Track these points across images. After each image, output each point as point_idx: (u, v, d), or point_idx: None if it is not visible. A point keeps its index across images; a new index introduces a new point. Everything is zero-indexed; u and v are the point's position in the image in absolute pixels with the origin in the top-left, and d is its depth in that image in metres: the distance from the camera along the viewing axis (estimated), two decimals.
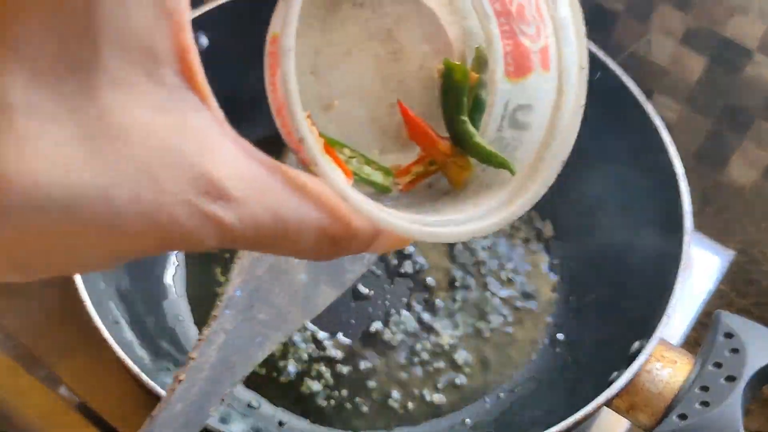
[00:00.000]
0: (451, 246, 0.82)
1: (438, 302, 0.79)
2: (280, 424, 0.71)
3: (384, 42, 0.41)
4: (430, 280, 0.80)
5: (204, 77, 0.29)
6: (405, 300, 0.79)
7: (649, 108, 0.74)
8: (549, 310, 0.80)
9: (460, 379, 0.75)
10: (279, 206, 0.29)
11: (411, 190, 0.40)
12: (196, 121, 0.28)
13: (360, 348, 0.76)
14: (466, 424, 0.73)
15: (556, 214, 0.85)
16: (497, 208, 0.38)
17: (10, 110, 0.23)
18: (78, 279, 0.61)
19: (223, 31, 0.80)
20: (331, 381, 0.74)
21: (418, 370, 0.75)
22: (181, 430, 0.47)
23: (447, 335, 0.77)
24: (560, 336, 0.78)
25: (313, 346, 0.75)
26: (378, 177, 0.40)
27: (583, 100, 0.38)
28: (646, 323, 0.64)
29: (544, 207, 0.86)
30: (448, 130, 0.41)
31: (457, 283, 0.80)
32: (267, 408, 0.72)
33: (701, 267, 0.87)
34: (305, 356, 0.75)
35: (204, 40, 0.78)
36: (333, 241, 0.30)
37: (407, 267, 0.81)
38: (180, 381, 0.48)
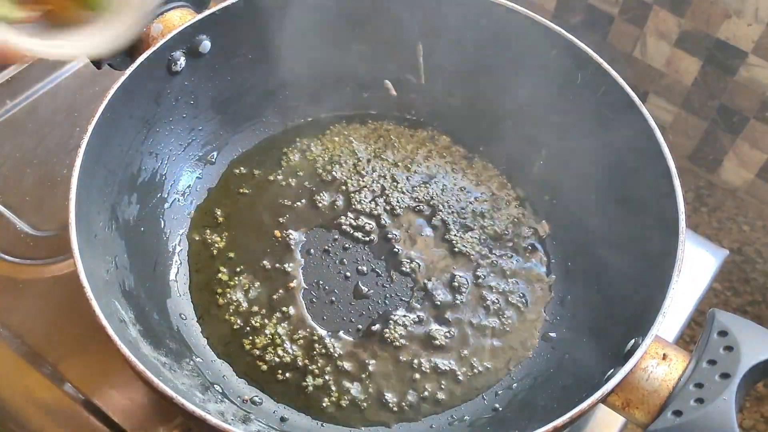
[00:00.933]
0: (450, 246, 0.83)
1: (437, 301, 0.80)
2: (282, 420, 0.72)
3: None
4: (429, 280, 0.81)
5: None
6: (405, 299, 0.80)
7: (644, 109, 0.75)
8: (545, 309, 0.81)
9: (459, 377, 0.76)
10: None
11: (40, 23, 0.64)
12: None
13: (360, 346, 0.77)
14: (464, 420, 0.74)
15: (552, 214, 0.86)
16: (91, 37, 0.65)
17: None
18: (84, 278, 0.61)
19: (224, 34, 0.81)
20: (332, 378, 0.75)
21: (418, 368, 0.76)
22: None
23: (445, 333, 0.78)
24: (556, 334, 0.79)
25: (314, 343, 0.76)
26: (6, 8, 0.61)
27: None
28: (641, 321, 0.64)
29: (540, 207, 0.87)
30: None
31: (455, 282, 0.81)
32: (269, 404, 0.73)
33: (696, 266, 0.88)
34: (307, 354, 0.76)
35: (206, 44, 0.79)
36: None
37: (407, 266, 0.82)
38: None
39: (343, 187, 0.87)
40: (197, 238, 0.82)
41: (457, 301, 0.80)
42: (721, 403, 0.58)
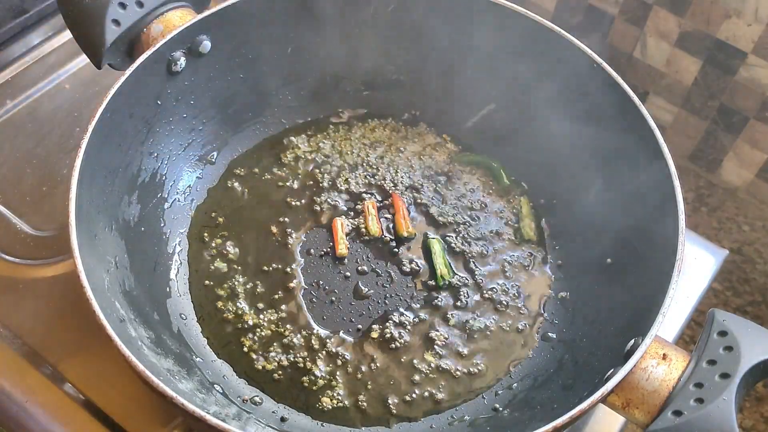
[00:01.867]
0: (450, 246, 0.83)
1: (437, 302, 0.80)
2: (282, 420, 0.72)
3: None
4: (429, 280, 0.81)
5: None
6: (405, 299, 0.80)
7: (644, 109, 0.75)
8: (545, 309, 0.81)
9: (459, 377, 0.76)
10: None
11: None
12: None
13: (360, 346, 0.77)
14: (464, 420, 0.74)
15: (552, 214, 0.86)
16: None
17: None
18: (84, 279, 0.61)
19: (224, 34, 0.81)
20: (332, 378, 0.75)
21: (417, 368, 0.76)
22: None
23: (445, 333, 0.78)
24: (556, 334, 0.79)
25: (314, 344, 0.76)
26: None
27: None
28: (641, 321, 0.64)
29: (540, 206, 0.87)
30: None
31: (455, 283, 0.81)
32: (269, 404, 0.73)
33: (696, 266, 0.88)
34: (307, 354, 0.76)
35: (206, 44, 0.79)
36: None
37: (407, 267, 0.82)
38: None
39: (344, 187, 0.87)
40: (197, 238, 0.82)
41: (457, 302, 0.80)
42: (721, 403, 0.58)
